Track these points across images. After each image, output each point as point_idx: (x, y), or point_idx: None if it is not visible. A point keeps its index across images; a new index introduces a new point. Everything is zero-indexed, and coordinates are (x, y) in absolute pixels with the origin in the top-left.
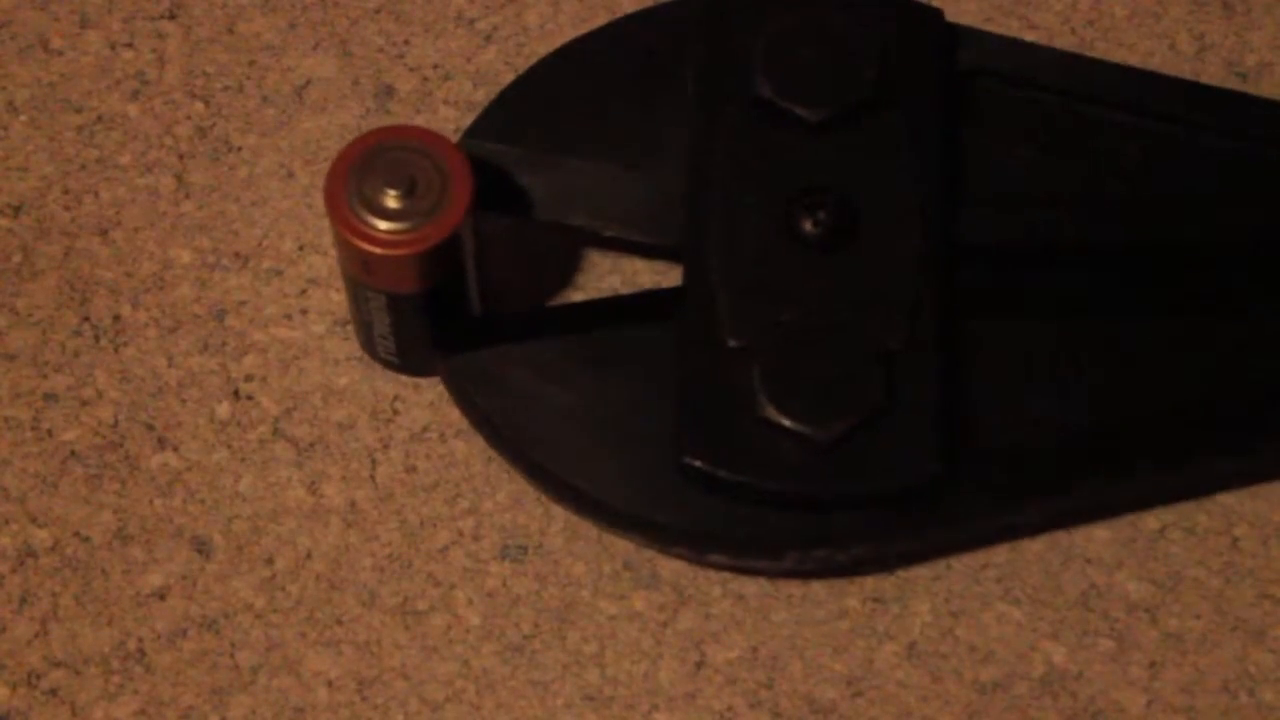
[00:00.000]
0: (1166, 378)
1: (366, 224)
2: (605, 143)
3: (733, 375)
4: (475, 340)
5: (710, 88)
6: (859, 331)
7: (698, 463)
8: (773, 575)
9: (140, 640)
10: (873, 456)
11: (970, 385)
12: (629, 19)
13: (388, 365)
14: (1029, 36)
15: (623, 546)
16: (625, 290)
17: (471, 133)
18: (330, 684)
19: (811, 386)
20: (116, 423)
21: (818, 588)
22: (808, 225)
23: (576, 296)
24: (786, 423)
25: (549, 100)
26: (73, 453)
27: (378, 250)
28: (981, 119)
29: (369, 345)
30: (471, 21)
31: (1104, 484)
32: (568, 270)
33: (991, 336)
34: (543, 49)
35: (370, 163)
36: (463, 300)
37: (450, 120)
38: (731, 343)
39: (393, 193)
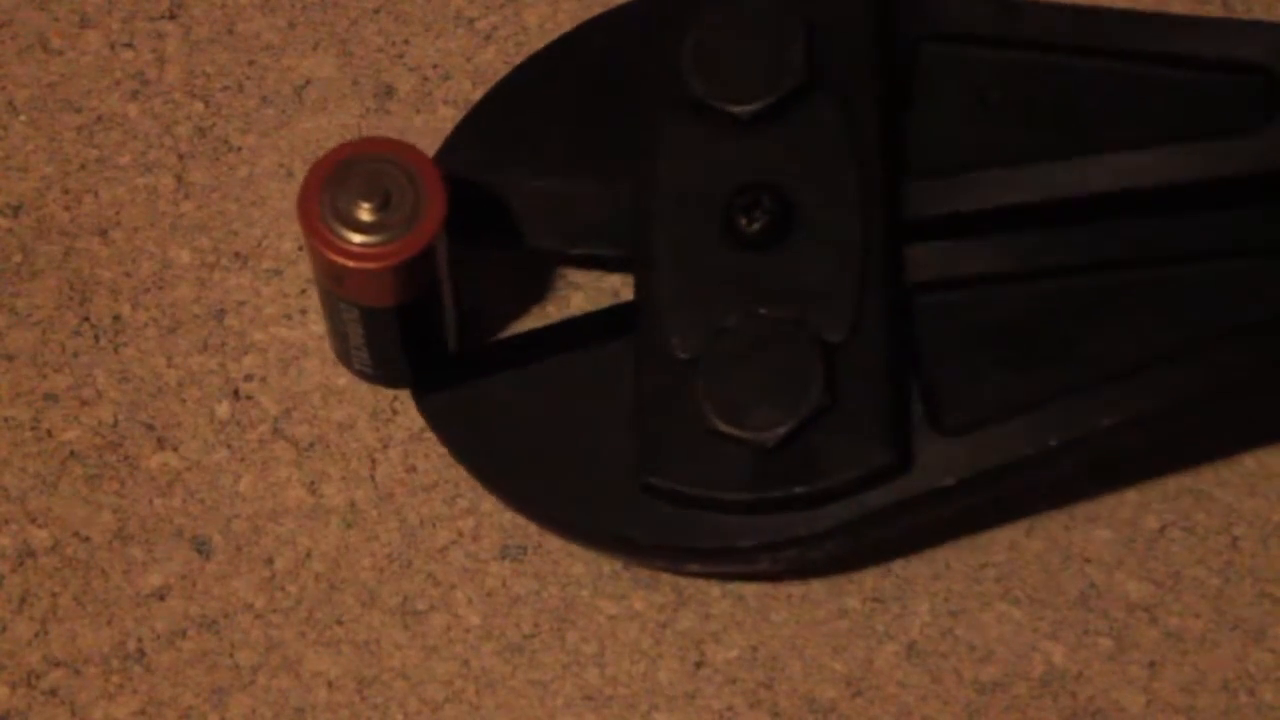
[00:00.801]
0: (1136, 333)
1: (340, 236)
2: (568, 159)
3: (684, 388)
4: (447, 377)
5: (646, 93)
6: (800, 328)
7: (656, 480)
8: (754, 579)
9: (140, 640)
10: (822, 453)
11: (929, 362)
12: (586, 26)
13: (362, 377)
14: None
15: None
16: (626, 290)
17: (435, 162)
18: (330, 684)
19: (754, 391)
20: (116, 423)
21: (817, 587)
22: (745, 225)
23: (575, 297)
24: (732, 430)
25: (510, 122)
26: (73, 453)
27: (351, 263)
28: (927, 85)
29: (344, 357)
30: (471, 21)
31: (1075, 452)
32: (564, 271)
33: (948, 309)
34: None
35: (344, 175)
36: (439, 314)
37: (450, 120)
38: (681, 355)
39: (366, 205)
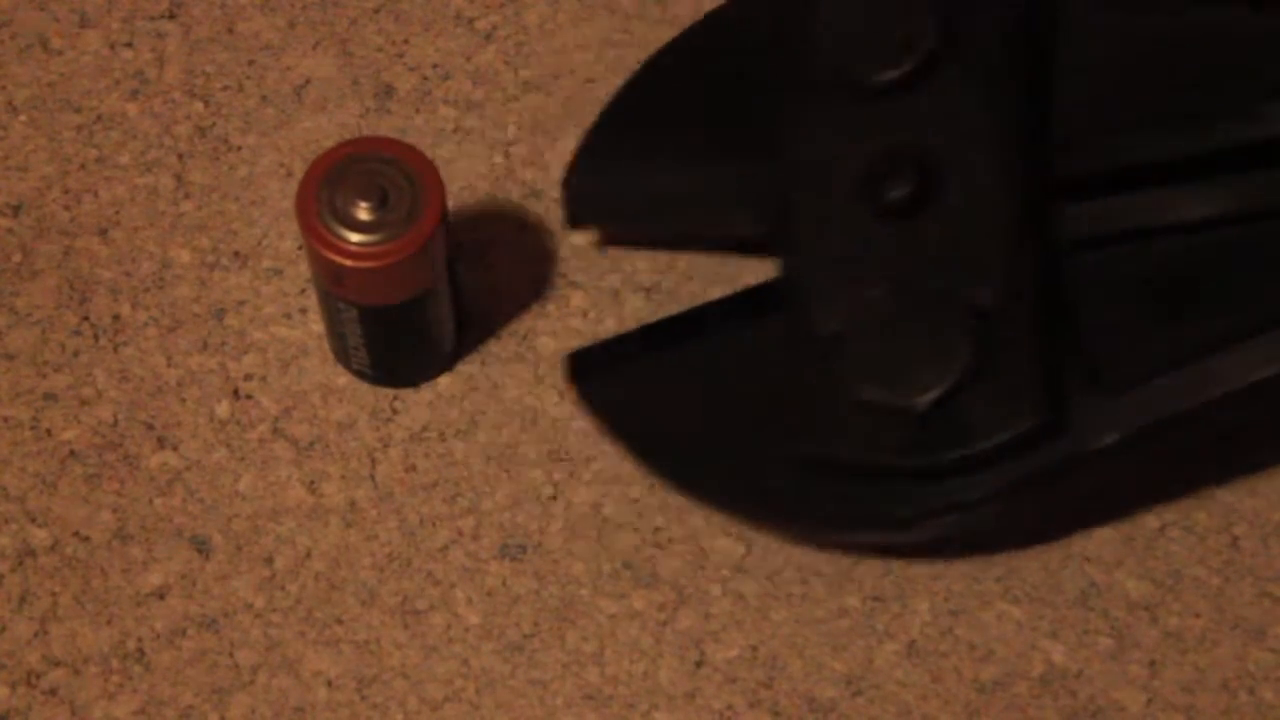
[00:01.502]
0: None
1: (338, 236)
2: (707, 145)
3: (832, 360)
4: (608, 364)
5: (779, 70)
6: (949, 294)
7: (811, 452)
8: (922, 552)
9: (140, 640)
10: (974, 417)
11: (1085, 320)
12: (713, 14)
13: (361, 377)
14: None
15: (622, 545)
16: (626, 290)
17: (577, 165)
18: (330, 683)
19: (902, 359)
20: (116, 422)
21: (817, 587)
22: (889, 193)
23: (575, 296)
24: (880, 398)
25: (647, 115)
26: (72, 452)
27: (349, 262)
28: (1070, 43)
29: (342, 357)
30: (471, 21)
31: (1237, 404)
32: (564, 270)
33: (1102, 266)
34: (542, 48)
35: (341, 174)
36: (437, 313)
37: (450, 120)
38: (829, 327)
39: (364, 205)
